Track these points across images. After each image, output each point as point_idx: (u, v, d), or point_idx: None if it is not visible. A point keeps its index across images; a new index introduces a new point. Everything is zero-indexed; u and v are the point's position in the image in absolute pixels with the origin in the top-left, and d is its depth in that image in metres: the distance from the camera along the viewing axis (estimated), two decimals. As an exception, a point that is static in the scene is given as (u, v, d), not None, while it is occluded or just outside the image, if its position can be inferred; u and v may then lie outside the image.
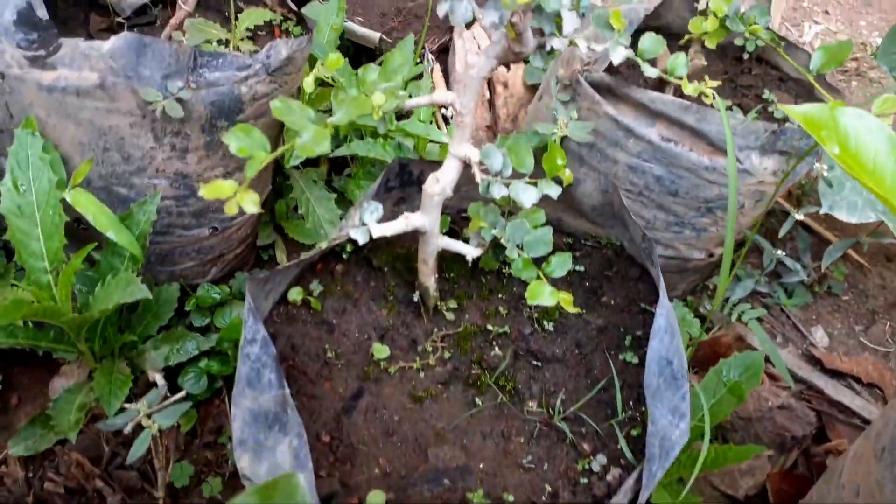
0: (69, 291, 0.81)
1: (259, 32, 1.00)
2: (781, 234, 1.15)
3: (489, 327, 0.82)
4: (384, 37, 1.26)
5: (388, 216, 0.70)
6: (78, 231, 0.89)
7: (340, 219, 1.05)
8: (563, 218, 0.97)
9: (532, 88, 1.33)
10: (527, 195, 0.63)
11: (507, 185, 0.64)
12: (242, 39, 0.97)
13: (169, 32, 0.92)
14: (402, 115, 1.30)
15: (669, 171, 1.01)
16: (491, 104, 1.31)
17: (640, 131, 1.01)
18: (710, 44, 0.96)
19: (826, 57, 0.90)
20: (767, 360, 0.98)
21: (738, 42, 1.00)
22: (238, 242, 1.02)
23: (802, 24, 1.98)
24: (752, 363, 0.90)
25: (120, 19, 1.03)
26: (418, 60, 1.30)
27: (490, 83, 1.31)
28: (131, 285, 0.77)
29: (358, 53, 1.29)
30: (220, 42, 0.96)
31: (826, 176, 0.99)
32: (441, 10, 0.58)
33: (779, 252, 1.18)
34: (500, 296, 0.87)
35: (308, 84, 0.86)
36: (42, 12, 0.91)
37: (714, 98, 0.84)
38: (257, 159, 0.53)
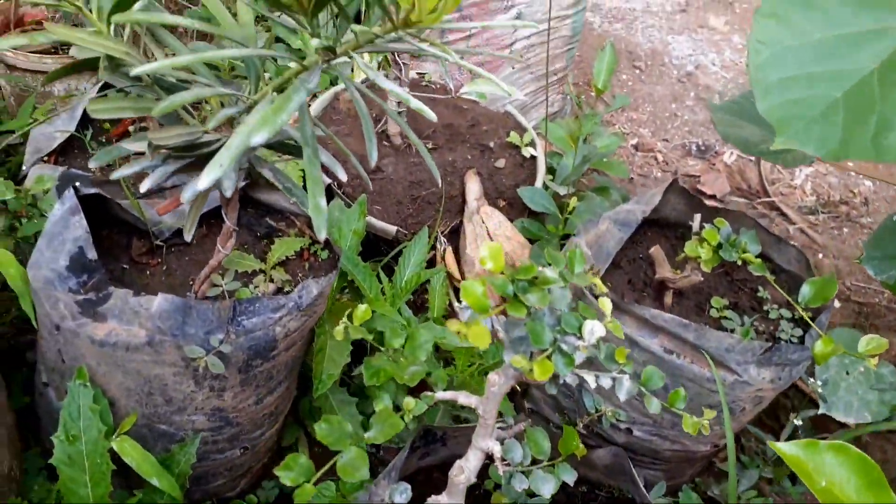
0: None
1: (289, 256, 1.09)
2: (783, 437, 1.20)
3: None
4: (400, 229, 1.35)
5: (413, 468, 0.76)
6: (121, 471, 0.95)
7: (362, 425, 1.10)
8: (578, 470, 1.03)
9: (539, 269, 1.41)
10: (546, 486, 0.69)
11: (527, 474, 0.70)
12: (274, 268, 1.05)
13: (208, 272, 1.00)
14: (421, 288, 1.38)
15: (673, 380, 1.07)
16: (501, 285, 1.39)
17: (644, 343, 1.08)
18: (706, 267, 1.04)
19: (813, 292, 0.98)
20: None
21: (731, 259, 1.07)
22: (265, 453, 1.08)
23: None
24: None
25: (159, 242, 1.12)
26: (432, 244, 1.38)
27: (500, 266, 1.39)
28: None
29: (377, 242, 1.38)
30: (254, 272, 1.04)
31: (820, 392, 1.05)
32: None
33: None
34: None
35: (338, 332, 0.94)
36: (92, 253, 1.00)
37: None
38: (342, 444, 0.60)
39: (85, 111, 1.39)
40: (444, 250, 1.41)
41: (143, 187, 0.82)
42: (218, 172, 0.69)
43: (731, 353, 1.03)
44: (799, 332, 1.10)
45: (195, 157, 0.82)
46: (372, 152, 0.75)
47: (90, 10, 0.77)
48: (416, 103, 0.68)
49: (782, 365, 1.05)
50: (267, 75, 0.90)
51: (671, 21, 2.81)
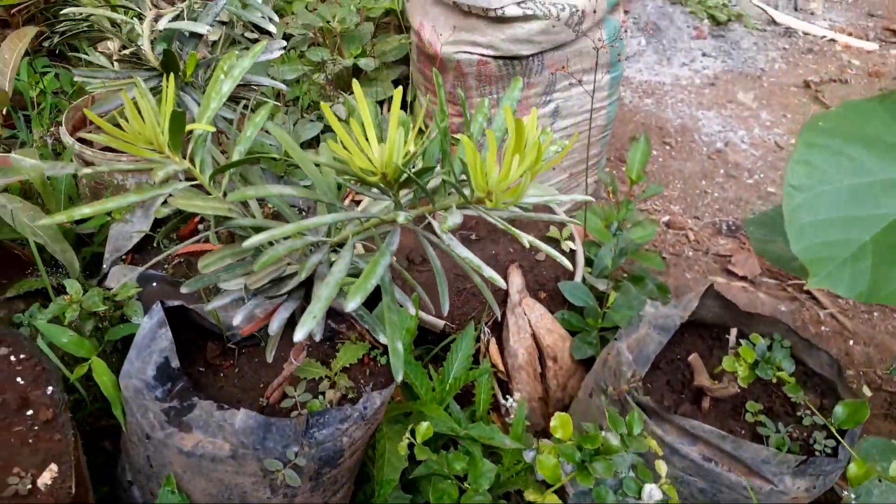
0: None
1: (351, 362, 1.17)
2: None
3: None
4: (448, 323, 1.43)
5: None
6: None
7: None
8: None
9: (579, 362, 1.48)
10: None
11: None
12: (338, 374, 1.14)
13: (281, 381, 1.09)
14: (466, 390, 1.45)
15: (712, 486, 1.13)
16: (542, 376, 1.46)
17: (684, 450, 1.14)
18: (743, 383, 1.10)
19: (846, 414, 1.04)
20: None
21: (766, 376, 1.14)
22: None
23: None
24: None
25: (230, 345, 1.21)
26: (477, 336, 1.46)
27: (541, 358, 1.47)
28: None
29: (425, 334, 1.46)
30: (321, 378, 1.13)
31: (854, 502, 1.11)
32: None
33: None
34: None
35: (402, 448, 1.02)
36: (175, 362, 1.10)
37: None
38: None
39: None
40: (488, 341, 1.49)
41: (236, 321, 0.92)
42: (312, 324, 0.78)
43: (767, 465, 1.09)
44: (832, 442, 1.15)
45: (285, 294, 0.92)
46: (445, 304, 0.84)
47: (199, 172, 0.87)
48: (488, 272, 0.77)
49: (817, 475, 1.11)
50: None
51: (700, 95, 2.90)
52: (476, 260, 0.78)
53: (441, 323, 1.43)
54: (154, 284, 1.34)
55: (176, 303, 1.15)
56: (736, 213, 2.29)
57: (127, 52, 1.19)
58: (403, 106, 2.24)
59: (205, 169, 0.89)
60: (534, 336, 1.47)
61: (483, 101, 0.87)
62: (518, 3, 1.72)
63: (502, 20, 1.74)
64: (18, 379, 1.04)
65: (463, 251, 0.79)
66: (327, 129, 2.05)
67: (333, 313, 1.27)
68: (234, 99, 1.35)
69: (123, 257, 1.43)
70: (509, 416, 1.37)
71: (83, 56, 1.70)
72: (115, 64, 1.75)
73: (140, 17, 1.27)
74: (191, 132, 0.85)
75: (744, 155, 2.54)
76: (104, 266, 1.41)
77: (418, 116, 2.06)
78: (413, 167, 0.80)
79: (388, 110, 2.25)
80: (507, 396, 1.38)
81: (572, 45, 1.85)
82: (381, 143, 0.73)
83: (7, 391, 1.02)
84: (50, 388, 1.03)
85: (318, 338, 0.83)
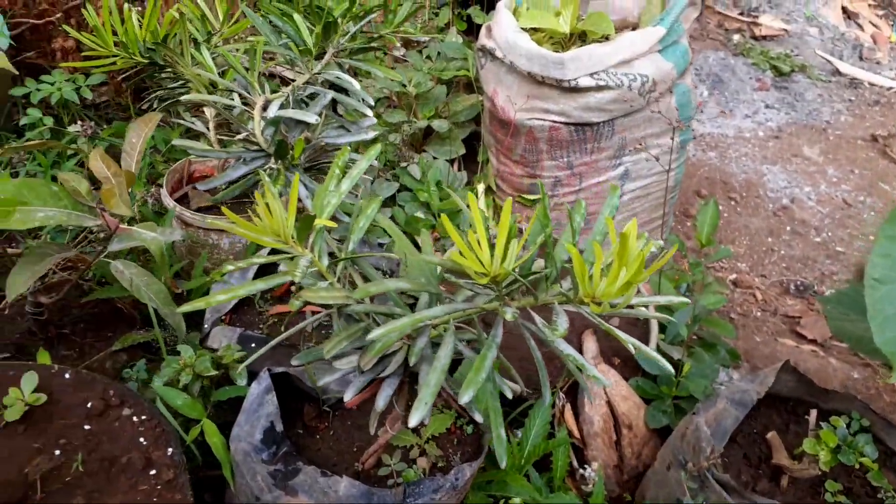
0: None
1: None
2: None
3: None
4: (525, 389, 1.49)
5: None
6: None
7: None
8: None
9: (654, 431, 1.52)
10: None
11: None
12: (427, 442, 1.21)
13: (377, 449, 1.16)
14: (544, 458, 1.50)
15: (792, 566, 1.15)
16: (617, 444, 1.50)
17: (764, 529, 1.16)
18: (824, 466, 1.12)
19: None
20: None
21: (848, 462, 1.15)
22: None
23: None
24: None
25: (325, 408, 1.29)
26: (553, 403, 1.51)
27: (616, 425, 1.50)
28: None
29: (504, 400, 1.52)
30: (411, 446, 1.20)
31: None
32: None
33: None
34: None
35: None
36: (280, 426, 1.18)
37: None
38: None
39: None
40: (563, 406, 1.54)
41: (347, 396, 1.00)
42: (424, 411, 0.85)
43: (850, 548, 1.11)
44: (916, 526, 1.16)
45: (393, 374, 0.99)
46: (546, 394, 0.90)
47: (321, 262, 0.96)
48: (591, 369, 0.83)
49: (901, 560, 1.11)
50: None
51: (764, 149, 2.91)
52: (580, 358, 0.84)
53: (518, 388, 1.49)
54: (252, 345, 1.44)
55: (280, 369, 1.24)
56: (804, 273, 2.29)
57: (240, 135, 1.30)
58: (474, 164, 2.33)
59: (322, 257, 0.98)
60: (608, 403, 1.51)
61: (580, 203, 0.94)
62: (591, 75, 1.80)
63: (575, 90, 1.82)
64: (141, 439, 1.14)
65: (567, 348, 0.85)
66: (403, 188, 2.14)
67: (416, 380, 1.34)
68: (318, 169, 1.45)
69: (222, 317, 1.53)
70: (585, 484, 1.41)
71: (181, 121, 1.84)
72: (211, 130, 1.89)
73: (245, 101, 1.39)
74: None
75: (811, 212, 2.54)
76: (205, 325, 1.52)
77: (489, 176, 2.14)
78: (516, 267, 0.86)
79: (458, 168, 2.35)
80: (585, 466, 1.42)
81: (643, 111, 1.91)
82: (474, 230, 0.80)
83: (132, 451, 1.11)
84: (170, 450, 1.12)
85: (427, 421, 0.90)
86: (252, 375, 1.34)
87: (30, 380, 1.17)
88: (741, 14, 3.88)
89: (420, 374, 0.95)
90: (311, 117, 1.23)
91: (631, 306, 0.81)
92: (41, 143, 1.45)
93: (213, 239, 1.80)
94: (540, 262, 0.91)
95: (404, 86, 2.25)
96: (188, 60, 1.72)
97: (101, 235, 1.88)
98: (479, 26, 3.03)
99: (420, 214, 2.04)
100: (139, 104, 2.54)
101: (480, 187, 1.89)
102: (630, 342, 0.80)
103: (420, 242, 1.06)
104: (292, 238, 0.94)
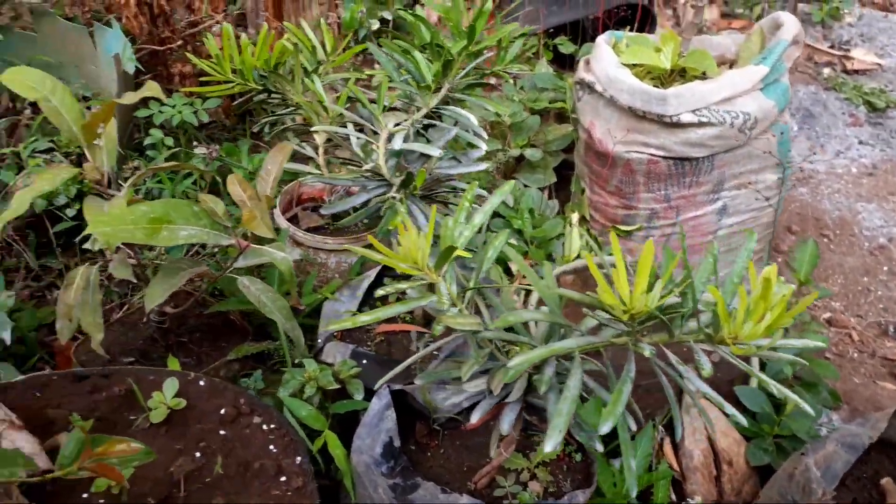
0: None
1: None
2: None
3: None
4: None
5: None
6: None
7: None
8: None
9: (755, 468, 1.51)
10: None
11: None
12: (537, 467, 1.25)
13: (490, 471, 1.21)
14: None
15: None
16: (717, 480, 1.50)
17: (879, 576, 1.15)
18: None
19: None
20: None
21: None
22: None
23: None
24: None
25: (436, 426, 1.35)
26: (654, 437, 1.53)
27: (717, 462, 1.51)
28: None
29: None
30: (521, 470, 1.24)
31: None
32: None
33: None
34: None
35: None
36: (397, 441, 1.24)
37: None
38: None
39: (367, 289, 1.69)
40: (663, 440, 1.55)
41: (474, 418, 1.05)
42: (558, 438, 0.89)
43: None
44: None
45: (516, 399, 1.04)
46: (678, 430, 0.93)
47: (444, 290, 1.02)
48: (730, 409, 0.86)
49: None
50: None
51: (858, 186, 2.85)
52: (715, 395, 0.87)
53: (639, 420, 1.51)
54: (364, 361, 1.51)
55: (398, 387, 1.30)
56: (903, 315, 2.23)
57: (367, 167, 1.38)
58: (563, 193, 2.37)
59: (452, 284, 1.04)
60: (709, 438, 1.52)
61: (713, 244, 0.97)
62: (693, 111, 1.82)
63: (677, 125, 1.84)
64: (271, 447, 1.21)
65: (702, 385, 0.88)
66: (496, 214, 2.20)
67: (530, 407, 1.38)
68: (430, 197, 1.52)
69: (334, 334, 1.61)
70: (686, 517, 1.41)
71: (296, 147, 1.94)
72: (320, 155, 1.99)
73: (359, 128, 1.47)
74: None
75: (910, 252, 2.47)
76: (318, 340, 1.60)
77: (584, 206, 2.18)
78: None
79: (549, 196, 2.39)
80: (688, 500, 1.43)
81: (743, 148, 1.92)
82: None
83: (264, 457, 1.19)
84: (298, 458, 1.19)
85: (558, 449, 0.94)
86: (366, 392, 1.41)
87: (171, 385, 1.27)
88: (832, 47, 3.82)
89: (548, 402, 0.99)
90: (434, 151, 1.30)
91: (773, 348, 0.84)
92: (177, 164, 1.57)
93: (322, 258, 1.90)
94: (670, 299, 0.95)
95: (499, 115, 2.31)
96: (298, 88, 1.83)
97: (222, 253, 2.00)
98: (567, 56, 3.09)
99: (513, 241, 2.09)
100: (241, 125, 2.69)
101: (575, 216, 1.92)
102: (775, 386, 0.83)
103: (520, 269, 1.11)
104: (428, 267, 1.00)
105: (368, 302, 1.69)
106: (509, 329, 1.05)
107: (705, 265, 0.92)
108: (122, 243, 1.46)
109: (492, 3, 1.49)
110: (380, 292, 1.02)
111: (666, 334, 0.90)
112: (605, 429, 0.82)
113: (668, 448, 1.53)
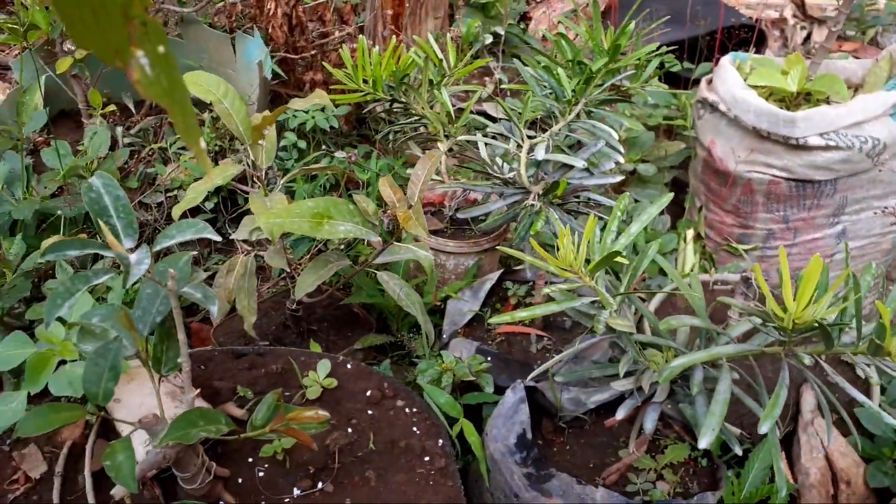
0: None
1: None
2: None
3: None
4: (743, 432, 1.54)
5: None
6: None
7: None
8: None
9: (874, 490, 1.51)
10: None
11: None
12: (664, 468, 1.30)
13: (621, 468, 1.27)
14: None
15: None
16: (834, 497, 1.51)
17: None
18: None
19: None
20: None
21: None
22: None
23: None
24: None
25: (561, 424, 1.42)
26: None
27: (834, 479, 1.52)
28: None
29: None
30: (647, 470, 1.30)
31: None
32: None
33: None
34: None
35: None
36: (529, 434, 1.32)
37: None
38: None
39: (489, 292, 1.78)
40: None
41: (619, 415, 1.11)
42: (712, 437, 0.95)
43: None
44: None
45: (660, 401, 1.10)
46: (829, 439, 0.97)
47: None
48: (874, 408, 0.90)
49: None
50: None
51: (981, 217, 2.76)
52: (874, 406, 0.91)
53: (737, 430, 1.54)
54: (488, 358, 1.60)
55: (531, 383, 1.38)
56: None
57: (508, 175, 1.47)
58: (674, 209, 2.40)
59: (603, 288, 1.11)
60: (826, 457, 1.53)
61: (870, 265, 1.01)
62: (821, 134, 1.83)
63: (802, 148, 1.86)
64: (414, 429, 1.31)
65: (858, 395, 0.92)
66: (608, 227, 2.25)
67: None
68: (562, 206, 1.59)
69: (458, 330, 1.71)
70: (804, 533, 1.43)
71: (410, 151, 2.06)
72: (443, 163, 2.09)
73: (503, 137, 1.56)
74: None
75: None
76: (444, 336, 1.70)
77: (700, 223, 2.20)
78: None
79: (661, 212, 2.42)
80: (807, 514, 1.45)
81: (868, 173, 1.91)
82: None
83: (409, 438, 1.29)
84: (440, 441, 1.29)
85: (710, 445, 1.00)
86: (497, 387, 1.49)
87: (324, 366, 1.39)
88: (953, 72, 3.68)
89: (697, 404, 1.05)
90: (578, 162, 1.38)
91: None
92: (326, 167, 1.70)
93: (441, 259, 2.00)
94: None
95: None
96: (424, 98, 1.94)
97: (356, 250, 2.14)
98: (675, 74, 3.11)
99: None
100: (355, 131, 2.84)
101: (690, 233, 1.96)
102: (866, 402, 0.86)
103: (671, 278, 1.17)
104: (582, 272, 1.08)
105: (488, 303, 1.78)
106: (655, 333, 1.12)
107: (863, 283, 0.96)
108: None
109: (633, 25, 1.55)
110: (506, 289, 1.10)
111: (824, 346, 0.95)
112: (764, 428, 0.88)
113: (783, 463, 1.55)
